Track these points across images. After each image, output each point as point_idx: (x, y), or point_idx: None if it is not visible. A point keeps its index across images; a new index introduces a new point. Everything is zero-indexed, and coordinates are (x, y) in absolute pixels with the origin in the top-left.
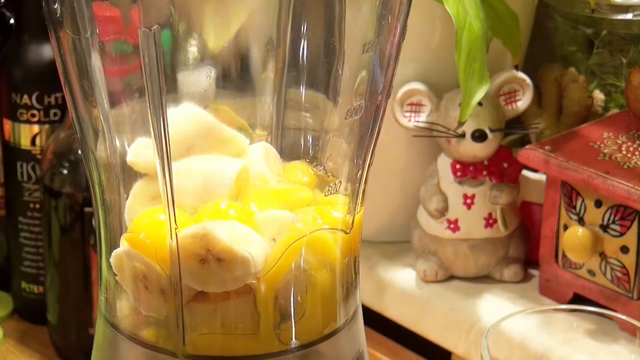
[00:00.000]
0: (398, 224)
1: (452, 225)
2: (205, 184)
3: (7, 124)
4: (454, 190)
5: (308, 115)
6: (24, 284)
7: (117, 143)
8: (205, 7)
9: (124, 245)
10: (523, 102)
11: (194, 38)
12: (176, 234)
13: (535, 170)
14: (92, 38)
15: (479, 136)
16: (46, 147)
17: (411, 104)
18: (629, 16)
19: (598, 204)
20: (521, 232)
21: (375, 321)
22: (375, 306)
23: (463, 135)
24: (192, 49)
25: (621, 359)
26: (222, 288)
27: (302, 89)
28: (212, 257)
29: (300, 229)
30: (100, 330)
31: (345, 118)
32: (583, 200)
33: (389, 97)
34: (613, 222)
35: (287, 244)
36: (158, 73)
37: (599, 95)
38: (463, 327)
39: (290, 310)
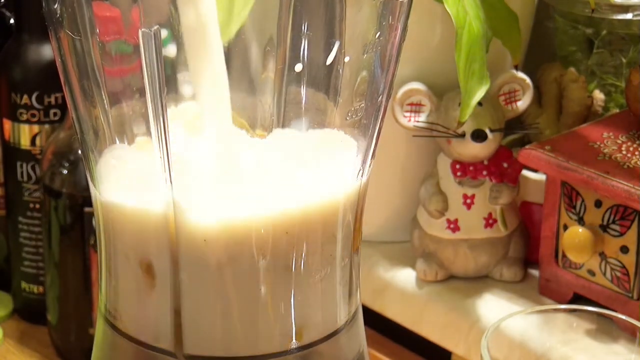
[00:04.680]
0: (398, 224)
1: (452, 225)
2: None
3: (7, 124)
4: (454, 190)
5: (308, 115)
6: (24, 284)
7: (118, 143)
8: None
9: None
10: (523, 102)
11: None
12: (176, 234)
13: (535, 170)
14: (92, 38)
15: (479, 136)
16: (46, 147)
17: (411, 104)
18: (629, 16)
19: (598, 204)
20: (521, 232)
21: (375, 321)
22: (375, 306)
23: (463, 135)
24: None
25: (621, 359)
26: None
27: (303, 89)
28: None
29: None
30: (100, 330)
31: (346, 118)
32: (583, 200)
33: (390, 98)
34: (613, 222)
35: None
36: (158, 73)
37: (599, 95)
38: (463, 327)
39: (291, 310)
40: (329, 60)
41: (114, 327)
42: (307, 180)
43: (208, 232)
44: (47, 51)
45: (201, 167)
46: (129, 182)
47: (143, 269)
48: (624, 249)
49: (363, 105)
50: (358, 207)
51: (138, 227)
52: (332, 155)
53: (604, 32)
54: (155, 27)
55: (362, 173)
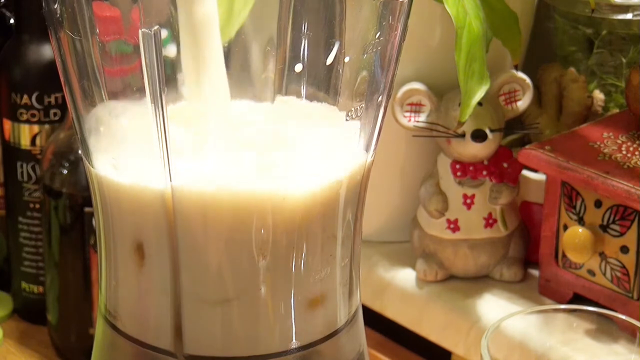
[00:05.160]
0: (398, 224)
1: (452, 225)
2: None
3: (7, 124)
4: (454, 190)
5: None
6: (24, 284)
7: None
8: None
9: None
10: (523, 102)
11: None
12: (176, 233)
13: (535, 170)
14: (92, 38)
15: (479, 136)
16: (46, 147)
17: (411, 104)
18: (629, 16)
19: (598, 204)
20: (521, 232)
21: (375, 321)
22: (375, 306)
23: (463, 135)
24: None
25: (621, 359)
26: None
27: (303, 89)
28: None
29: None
30: (100, 330)
31: (346, 119)
32: (583, 200)
33: (390, 98)
34: (613, 222)
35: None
36: (158, 73)
37: (599, 95)
38: (463, 327)
39: (291, 310)
40: (329, 60)
41: (114, 327)
42: (308, 174)
43: (208, 231)
44: (47, 51)
45: (201, 164)
46: (129, 180)
47: (138, 255)
48: (624, 249)
49: (363, 105)
50: (358, 206)
51: (137, 216)
52: (333, 151)
53: (604, 32)
54: (155, 27)
55: (363, 172)
